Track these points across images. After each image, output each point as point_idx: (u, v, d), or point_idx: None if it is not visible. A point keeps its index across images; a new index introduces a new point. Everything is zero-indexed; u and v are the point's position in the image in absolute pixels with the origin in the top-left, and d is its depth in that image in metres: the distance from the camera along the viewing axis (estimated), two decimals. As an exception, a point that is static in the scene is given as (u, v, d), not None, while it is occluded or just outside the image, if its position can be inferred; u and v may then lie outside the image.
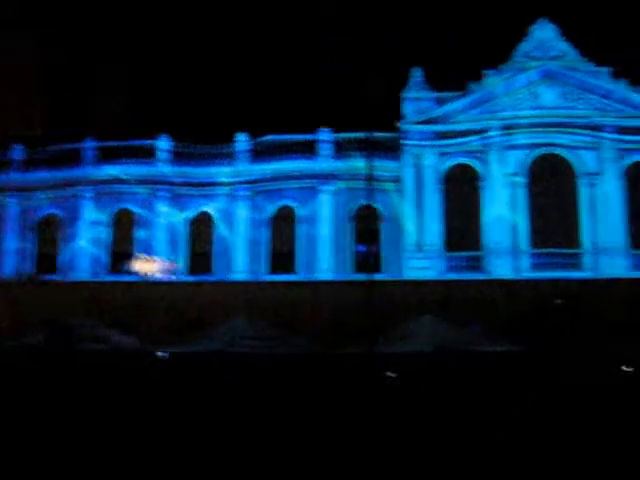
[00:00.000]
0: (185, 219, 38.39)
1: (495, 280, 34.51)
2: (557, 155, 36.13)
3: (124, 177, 38.29)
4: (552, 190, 36.17)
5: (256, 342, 29.73)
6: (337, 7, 51.64)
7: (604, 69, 36.51)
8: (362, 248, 35.97)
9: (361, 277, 32.06)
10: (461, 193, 36.63)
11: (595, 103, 36.11)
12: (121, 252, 37.95)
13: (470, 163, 36.57)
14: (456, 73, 38.28)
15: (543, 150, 36.14)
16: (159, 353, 29.71)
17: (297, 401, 24.53)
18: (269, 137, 38.20)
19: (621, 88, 36.16)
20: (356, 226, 36.93)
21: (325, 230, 36.77)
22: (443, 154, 36.58)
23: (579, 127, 35.81)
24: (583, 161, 35.81)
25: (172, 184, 38.36)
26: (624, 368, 28.17)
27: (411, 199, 36.12)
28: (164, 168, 38.46)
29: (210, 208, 38.30)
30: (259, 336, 29.88)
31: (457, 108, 36.87)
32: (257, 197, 37.73)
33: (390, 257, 36.14)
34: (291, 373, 27.68)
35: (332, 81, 46.59)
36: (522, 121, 36.17)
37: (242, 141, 38.69)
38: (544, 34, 37.36)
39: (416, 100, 37.12)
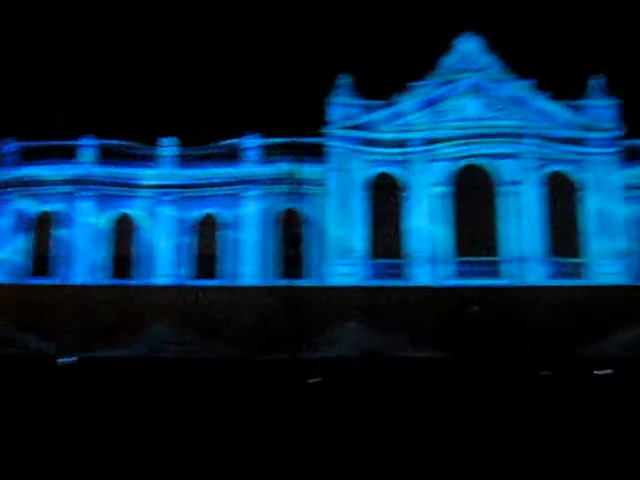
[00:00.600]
0: (108, 220, 37.61)
1: (418, 287, 34.98)
2: (480, 165, 36.85)
3: (45, 177, 37.34)
4: (474, 199, 36.81)
5: (178, 347, 29.41)
6: (266, 13, 51.67)
7: (526, 82, 37.39)
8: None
9: (285, 282, 32.05)
10: (386, 201, 36.96)
11: (517, 114, 36.97)
12: (43, 254, 37.01)
13: (394, 172, 36.95)
14: (383, 83, 38.75)
15: (466, 161, 36.79)
16: (63, 359, 28.99)
17: (215, 406, 24.33)
18: (193, 146, 37.79)
19: (542, 100, 37.11)
20: (281, 231, 36.81)
21: (249, 235, 36.55)
22: (368, 161, 36.86)
23: (501, 138, 36.60)
24: (505, 171, 36.61)
25: (96, 184, 37.52)
26: (543, 373, 28.86)
27: (335, 204, 36.25)
28: (88, 168, 37.62)
29: (134, 210, 37.65)
30: (181, 341, 29.56)
31: (382, 117, 37.22)
32: (182, 201, 37.25)
33: (314, 262, 36.18)
34: (213, 379, 27.43)
35: (258, 86, 46.56)
36: (446, 132, 36.74)
37: (168, 145, 38.14)
38: (469, 47, 38.07)
39: (343, 106, 37.32)
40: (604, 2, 54.06)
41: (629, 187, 36.69)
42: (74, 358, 28.77)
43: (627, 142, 37.14)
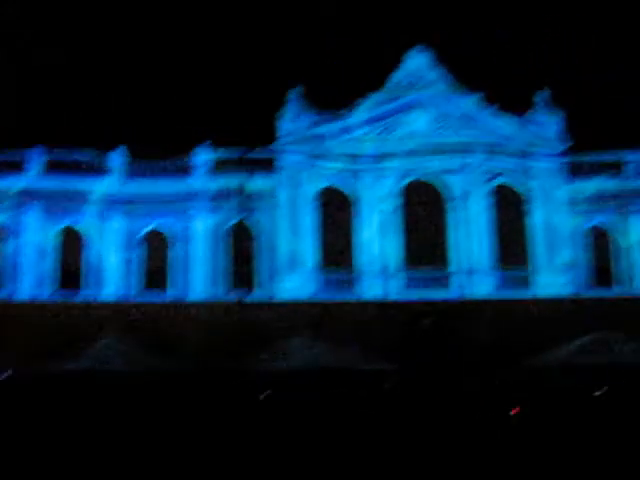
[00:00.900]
0: (55, 233, 37.09)
1: (368, 300, 35.16)
2: (428, 179, 37.24)
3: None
4: (424, 213, 37.21)
5: (126, 361, 29.15)
6: (218, 25, 51.65)
7: (474, 96, 37.90)
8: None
9: (235, 296, 31.98)
10: (336, 214, 37.15)
11: (465, 129, 37.47)
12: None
13: (344, 185, 37.17)
14: (333, 97, 38.95)
15: (415, 175, 37.16)
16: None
17: (162, 420, 24.16)
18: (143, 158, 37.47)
19: (489, 114, 37.66)
20: (231, 245, 36.70)
21: (199, 249, 36.39)
22: (318, 174, 37.00)
23: (449, 152, 37.05)
24: (453, 185, 37.06)
25: (43, 196, 36.93)
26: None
27: (286, 218, 36.29)
28: (34, 180, 37.04)
29: (83, 223, 37.15)
30: (129, 355, 29.28)
31: (332, 131, 37.40)
32: (131, 215, 36.85)
33: (265, 276, 36.16)
34: (161, 393, 27.23)
35: (209, 99, 46.45)
36: (395, 147, 37.07)
37: (118, 156, 37.75)
38: (418, 62, 38.47)
39: (293, 119, 37.39)
40: (549, 17, 55.16)
41: (574, 200, 37.39)
42: (9, 372, 28.29)
43: (572, 156, 37.88)
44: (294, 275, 35.59)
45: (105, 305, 34.79)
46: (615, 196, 37.71)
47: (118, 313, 33.84)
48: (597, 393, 27.70)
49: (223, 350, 30.46)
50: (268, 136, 36.89)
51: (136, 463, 17.42)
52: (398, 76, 38.32)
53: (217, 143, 37.46)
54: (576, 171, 37.83)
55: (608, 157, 38.27)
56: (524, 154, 37.42)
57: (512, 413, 23.24)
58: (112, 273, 36.20)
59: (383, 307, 35.01)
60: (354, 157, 37.06)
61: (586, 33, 51.45)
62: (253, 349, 29.93)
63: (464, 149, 37.09)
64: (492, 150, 37.28)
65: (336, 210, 37.17)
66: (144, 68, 50.34)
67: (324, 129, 37.36)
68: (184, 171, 37.50)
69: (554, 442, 20.55)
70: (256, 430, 23.05)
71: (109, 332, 31.38)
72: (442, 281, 36.37)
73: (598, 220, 37.74)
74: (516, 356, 31.11)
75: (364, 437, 21.43)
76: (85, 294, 36.11)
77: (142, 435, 21.39)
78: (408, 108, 37.63)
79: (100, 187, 37.20)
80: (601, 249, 37.88)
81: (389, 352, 31.91)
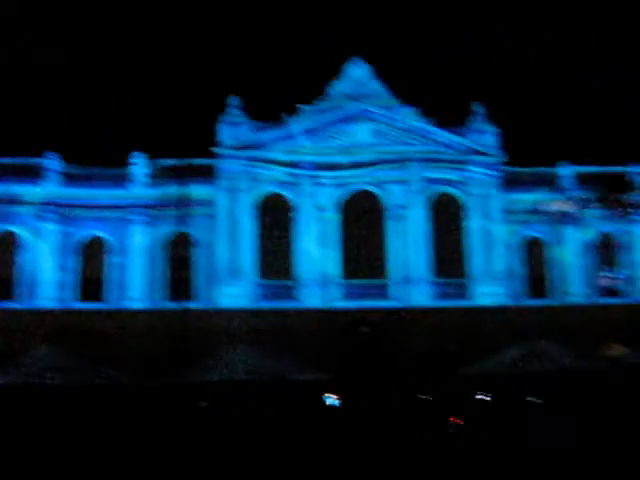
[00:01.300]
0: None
1: (307, 309, 35.13)
2: (367, 190, 37.46)
3: None
4: (363, 223, 37.41)
5: (60, 374, 28.39)
6: (157, 34, 51.17)
7: (412, 108, 38.36)
8: None
9: (173, 305, 31.52)
10: (275, 222, 37.04)
11: (404, 140, 37.87)
12: None
13: (284, 193, 37.09)
14: (273, 104, 38.92)
15: (354, 186, 37.34)
16: None
17: (98, 434, 23.64)
18: (79, 166, 36.65)
19: (427, 126, 38.14)
20: (169, 253, 36.20)
21: (137, 258, 35.76)
22: (257, 182, 36.83)
23: (388, 163, 37.37)
24: (392, 195, 37.38)
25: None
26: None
27: (225, 225, 35.99)
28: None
29: (15, 229, 36.04)
30: (64, 367, 28.53)
31: (272, 138, 37.32)
32: (67, 222, 35.90)
33: (203, 284, 35.77)
34: (97, 404, 26.65)
35: (147, 107, 45.94)
36: (334, 158, 37.20)
37: (52, 161, 36.81)
38: (357, 73, 38.78)
39: (232, 127, 37.18)
40: (486, 33, 56.31)
41: (510, 212, 38.07)
42: None
43: (508, 169, 38.63)
44: (233, 284, 35.30)
45: (39, 314, 33.82)
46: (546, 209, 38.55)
47: (53, 323, 33.01)
48: (530, 399, 28.17)
49: (160, 360, 29.97)
50: (207, 144, 36.62)
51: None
52: (339, 86, 38.54)
53: (155, 152, 36.97)
54: (512, 183, 38.58)
55: (543, 171, 39.16)
56: (462, 164, 37.99)
57: (450, 421, 23.41)
58: (47, 281, 35.16)
59: (321, 315, 35.01)
60: (294, 165, 37.03)
61: (521, 49, 52.67)
62: (189, 358, 29.55)
63: (403, 160, 37.47)
64: (430, 161, 37.74)
65: (276, 217, 37.07)
66: (81, 73, 49.54)
67: (264, 136, 37.24)
68: (123, 179, 36.84)
69: (489, 450, 20.78)
70: (193, 442, 22.76)
71: (42, 343, 30.54)
72: (380, 290, 36.55)
73: (533, 231, 38.51)
74: (452, 365, 31.48)
75: (300, 447, 21.35)
76: (18, 303, 35.01)
77: (78, 450, 20.89)
78: (348, 119, 37.83)
79: (36, 193, 36.07)
80: (536, 260, 38.66)
81: (327, 361, 31.94)
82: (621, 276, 37.42)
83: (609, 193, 28.89)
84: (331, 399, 28.55)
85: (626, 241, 38.99)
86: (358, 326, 35.34)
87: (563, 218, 38.17)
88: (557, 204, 32.18)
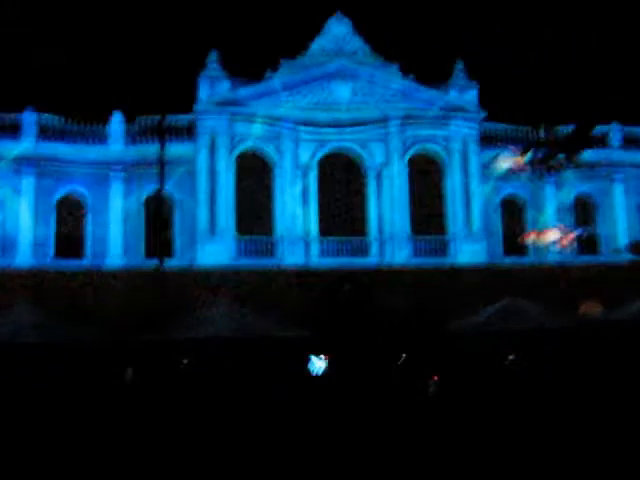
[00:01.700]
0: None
1: (288, 266, 35.26)
2: (348, 147, 37.39)
3: None
4: (343, 180, 37.46)
5: (40, 332, 28.41)
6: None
7: (393, 65, 38.15)
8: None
9: (153, 264, 31.45)
10: (256, 178, 36.91)
11: (383, 97, 37.73)
12: None
13: (264, 149, 36.87)
14: (255, 61, 38.45)
15: (335, 143, 37.22)
16: None
17: (84, 390, 23.85)
18: (56, 117, 36.00)
19: (407, 82, 38.01)
20: (149, 212, 35.98)
21: (116, 216, 35.49)
22: (237, 137, 36.54)
23: (368, 121, 37.25)
24: (372, 153, 37.35)
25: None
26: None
27: (205, 183, 35.75)
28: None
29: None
30: (44, 325, 28.55)
31: (252, 93, 36.90)
32: (43, 178, 35.32)
33: (184, 242, 35.70)
34: (80, 362, 26.81)
35: (124, 63, 45.21)
36: (313, 113, 36.96)
37: (31, 116, 36.08)
38: (339, 29, 38.38)
39: (212, 82, 36.69)
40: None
41: (489, 169, 38.22)
42: None
43: (488, 125, 38.72)
44: (213, 241, 35.26)
45: (17, 273, 33.60)
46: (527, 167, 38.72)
47: (31, 282, 32.85)
48: (510, 357, 28.72)
49: (141, 317, 30.03)
50: (186, 102, 36.19)
51: (54, 439, 17.15)
52: (320, 42, 38.15)
53: (135, 109, 36.45)
54: (492, 140, 38.69)
55: (523, 128, 39.23)
56: (442, 121, 37.97)
57: (432, 380, 23.83)
58: (24, 239, 34.79)
59: (302, 274, 35.19)
60: (274, 121, 36.74)
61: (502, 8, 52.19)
62: (171, 316, 29.65)
63: (383, 118, 37.37)
64: (410, 118, 37.67)
65: (256, 175, 36.95)
66: (60, 27, 48.54)
67: (244, 92, 36.82)
68: (102, 136, 36.36)
69: (471, 407, 21.21)
70: (177, 398, 23.03)
71: (21, 302, 30.46)
72: (361, 248, 36.73)
73: (513, 189, 38.75)
74: (433, 322, 31.89)
75: (283, 405, 21.67)
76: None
77: (61, 409, 21.07)
78: (329, 75, 37.54)
79: (13, 147, 35.40)
80: (514, 218, 38.99)
81: (309, 318, 32.23)
82: (577, 232, 36.70)
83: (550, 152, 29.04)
84: (317, 363, 28.87)
85: (604, 201, 39.48)
86: (339, 283, 35.55)
87: (540, 176, 38.39)
88: (503, 160, 31.84)
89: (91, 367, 26.76)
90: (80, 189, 35.90)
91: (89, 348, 27.51)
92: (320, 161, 37.07)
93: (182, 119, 36.36)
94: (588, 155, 37.65)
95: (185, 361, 27.36)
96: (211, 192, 35.70)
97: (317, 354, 28.94)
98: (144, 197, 35.95)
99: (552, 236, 35.13)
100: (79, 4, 48.50)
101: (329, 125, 36.92)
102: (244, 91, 36.83)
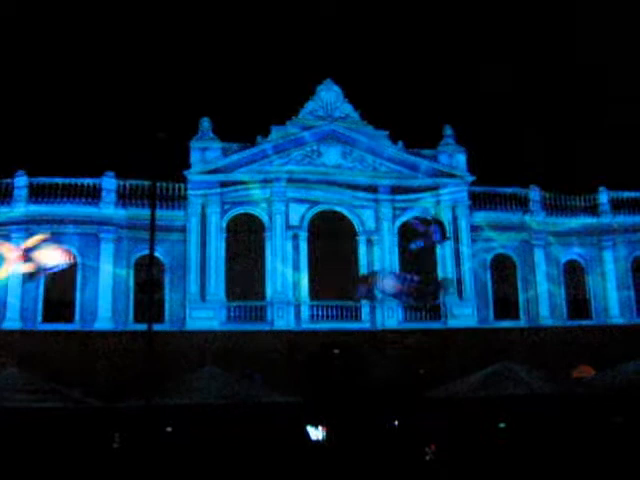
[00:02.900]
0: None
1: (277, 331, 35.07)
2: (338, 211, 37.59)
3: None
4: (333, 245, 37.45)
5: (28, 396, 27.91)
6: (128, 50, 51.08)
7: (382, 132, 38.67)
8: None
9: (141, 327, 31.16)
10: (245, 243, 36.99)
11: (373, 164, 38.14)
12: None
13: (254, 214, 37.10)
14: (245, 126, 39.00)
15: (325, 206, 37.48)
16: None
17: (67, 456, 23.40)
18: (47, 179, 36.13)
19: (397, 150, 38.43)
20: (138, 276, 35.85)
21: (106, 279, 35.37)
22: (227, 203, 36.77)
23: (358, 186, 37.57)
24: (361, 219, 37.61)
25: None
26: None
27: (195, 248, 35.90)
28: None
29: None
30: (31, 389, 28.06)
31: (242, 159, 37.28)
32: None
33: (173, 308, 35.57)
34: (64, 428, 26.31)
35: (119, 127, 45.75)
36: (304, 177, 37.32)
37: (19, 178, 36.21)
38: (329, 95, 39.01)
39: (203, 149, 37.16)
40: (452, 54, 56.91)
41: (479, 231, 38.44)
42: None
43: (478, 189, 39.05)
44: (203, 306, 35.15)
45: (4, 335, 33.31)
46: (519, 228, 39.03)
47: (18, 344, 32.56)
48: (501, 425, 28.29)
49: (128, 382, 29.60)
50: (180, 166, 36.48)
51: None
52: (310, 106, 38.72)
53: (124, 173, 36.70)
54: (481, 203, 38.99)
55: (513, 191, 39.64)
56: (432, 188, 38.27)
57: (430, 448, 23.48)
58: (13, 301, 34.51)
59: (292, 338, 34.95)
60: (264, 185, 37.03)
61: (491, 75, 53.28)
62: (158, 381, 29.22)
63: (373, 184, 37.71)
64: (400, 186, 37.99)
65: (247, 239, 37.03)
66: (53, 90, 49.23)
67: (234, 157, 37.17)
68: (92, 197, 36.35)
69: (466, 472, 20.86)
70: (161, 466, 22.61)
71: (8, 365, 30.06)
72: (351, 312, 36.57)
73: (503, 250, 38.92)
74: (421, 387, 31.53)
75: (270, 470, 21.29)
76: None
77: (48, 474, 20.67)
78: (319, 140, 37.99)
79: (3, 212, 35.44)
80: (507, 280, 39.00)
81: (298, 383, 31.84)
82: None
83: None
84: (313, 433, 28.45)
85: (595, 266, 39.68)
86: (329, 348, 35.28)
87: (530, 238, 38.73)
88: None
89: (78, 432, 26.24)
90: (71, 249, 35.72)
91: (75, 413, 27.00)
92: (310, 223, 37.21)
93: (174, 185, 36.62)
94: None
95: (169, 429, 26.82)
96: (202, 258, 35.80)
97: (312, 424, 28.59)
98: (134, 260, 35.87)
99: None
100: (74, 62, 49.31)
101: (318, 189, 37.24)
102: (235, 157, 37.23)
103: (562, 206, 40.11)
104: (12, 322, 34.31)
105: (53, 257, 25.31)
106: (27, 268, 25.01)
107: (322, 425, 29.04)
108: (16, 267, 24.94)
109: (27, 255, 24.21)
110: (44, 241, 25.27)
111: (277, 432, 26.18)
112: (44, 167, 37.06)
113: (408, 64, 55.01)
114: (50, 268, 25.91)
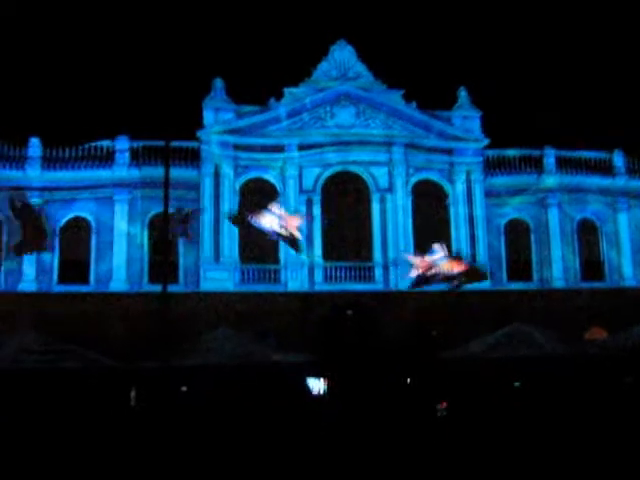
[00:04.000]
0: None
1: (291, 292, 35.22)
2: (352, 172, 37.46)
3: None
4: (347, 205, 37.43)
5: (44, 357, 28.24)
6: (140, 11, 50.70)
7: (396, 91, 38.33)
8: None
9: (156, 288, 31.36)
10: (259, 205, 36.83)
11: (386, 123, 37.84)
12: None
13: (268, 177, 37.07)
14: (258, 87, 38.74)
15: (339, 167, 37.33)
16: None
17: (85, 416, 23.73)
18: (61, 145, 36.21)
19: (411, 109, 38.14)
20: (153, 236, 36.03)
21: (120, 240, 35.61)
22: (242, 166, 36.75)
23: (372, 145, 37.32)
24: (375, 178, 37.41)
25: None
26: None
27: (209, 209, 35.92)
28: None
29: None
30: (47, 350, 28.38)
31: (257, 122, 37.19)
32: (49, 205, 35.38)
33: (188, 268, 35.76)
34: (81, 388, 26.66)
35: (131, 87, 45.57)
36: (317, 140, 37.11)
37: (33, 146, 36.33)
38: (342, 55, 38.65)
39: (217, 110, 37.03)
40: (468, 16, 56.15)
41: (493, 195, 38.29)
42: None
43: (492, 152, 38.80)
44: (217, 267, 35.33)
45: (20, 297, 33.69)
46: (535, 190, 38.87)
47: (35, 306, 32.86)
48: (516, 384, 28.47)
49: (144, 343, 29.86)
50: (190, 125, 36.34)
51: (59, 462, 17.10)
52: (324, 68, 38.42)
53: (138, 132, 36.62)
54: (496, 166, 38.80)
55: (527, 152, 39.40)
56: (445, 150, 38.06)
57: (441, 406, 23.66)
58: (29, 264, 34.85)
59: (305, 298, 35.11)
60: (279, 148, 36.95)
61: (506, 35, 52.59)
62: (173, 342, 29.48)
63: (387, 142, 37.46)
64: (414, 145, 37.77)
65: (261, 201, 36.87)
66: (65, 53, 49.01)
67: (249, 120, 37.10)
68: (106, 160, 36.45)
69: (477, 434, 21.03)
70: (176, 425, 22.90)
71: (25, 327, 30.35)
72: (365, 273, 36.63)
73: (518, 213, 38.81)
74: (435, 348, 31.67)
75: (283, 431, 21.51)
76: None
77: (65, 435, 20.98)
78: (332, 101, 37.74)
79: (15, 177, 35.63)
80: (520, 243, 38.93)
81: (311, 344, 32.08)
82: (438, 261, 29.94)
83: None
84: (314, 385, 28.69)
85: (610, 228, 39.52)
86: (342, 309, 35.44)
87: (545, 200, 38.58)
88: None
89: (94, 392, 26.59)
90: (86, 212, 35.93)
91: (91, 373, 27.34)
92: (324, 186, 37.12)
93: (187, 144, 36.49)
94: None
95: (184, 388, 27.14)
96: (215, 220, 35.79)
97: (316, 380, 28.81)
98: (148, 219, 36.01)
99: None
100: (81, 26, 49.01)
101: (332, 149, 37.00)
102: (248, 119, 37.11)
103: (577, 165, 39.73)
104: (28, 284, 34.72)
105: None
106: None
107: (324, 378, 29.20)
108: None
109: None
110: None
111: (287, 390, 26.48)
112: (57, 132, 37.07)
113: (423, 24, 54.32)
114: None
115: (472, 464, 16.62)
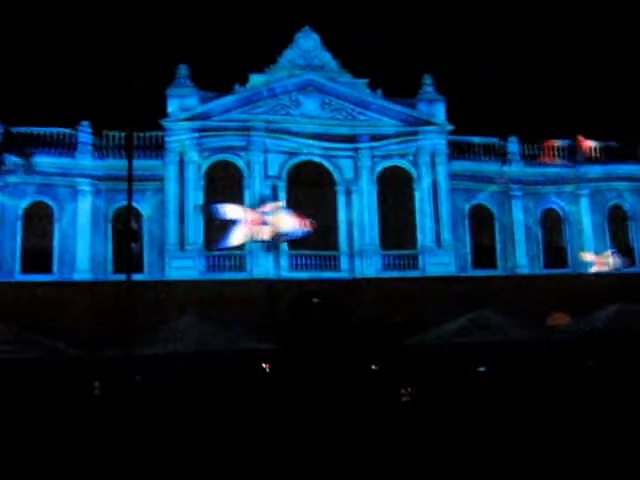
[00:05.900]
0: None
1: (255, 280, 35.13)
2: (317, 162, 37.45)
3: None
4: (313, 196, 37.37)
5: (7, 347, 28.03)
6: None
7: (361, 80, 38.38)
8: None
9: (120, 278, 31.14)
10: (225, 191, 36.73)
11: (352, 113, 37.88)
12: None
13: (232, 162, 36.86)
14: (224, 75, 38.45)
15: (304, 157, 37.30)
16: None
17: (47, 407, 23.54)
18: (22, 129, 35.63)
19: (376, 98, 38.19)
20: (116, 227, 35.65)
21: (84, 229, 35.22)
22: (206, 150, 36.46)
23: (337, 136, 37.37)
24: (340, 168, 37.48)
25: None
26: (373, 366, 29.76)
27: (173, 197, 35.67)
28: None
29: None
30: (8, 340, 28.17)
31: (220, 106, 36.91)
32: (8, 189, 34.90)
33: (152, 258, 35.51)
34: (42, 378, 26.43)
35: (94, 76, 45.06)
36: (282, 126, 37.02)
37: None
38: (307, 43, 38.53)
39: (180, 97, 36.71)
40: (436, 5, 56.34)
41: (457, 181, 38.56)
42: None
43: (456, 138, 39.04)
44: (181, 255, 35.12)
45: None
46: (497, 178, 39.26)
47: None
48: (480, 369, 28.76)
49: (107, 332, 29.67)
50: (154, 115, 36.00)
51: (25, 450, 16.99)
52: (290, 54, 38.25)
53: (101, 123, 36.18)
54: (459, 152, 39.08)
55: (490, 140, 39.76)
56: (410, 136, 38.18)
57: (406, 391, 23.80)
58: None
59: (269, 286, 35.05)
60: (243, 132, 36.72)
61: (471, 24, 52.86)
62: (137, 330, 29.33)
63: (352, 133, 37.55)
64: (379, 135, 37.86)
65: (225, 189, 36.80)
66: (31, 40, 48.31)
67: (212, 104, 36.80)
68: (69, 148, 35.99)
69: (439, 419, 21.20)
70: (140, 412, 22.82)
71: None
72: (331, 263, 36.68)
73: (480, 200, 39.14)
74: (399, 335, 31.91)
75: (248, 417, 21.52)
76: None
77: (30, 425, 20.82)
78: (298, 89, 37.64)
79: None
80: (484, 229, 39.28)
81: (276, 331, 32.12)
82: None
83: None
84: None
85: (571, 216, 40.06)
86: (308, 297, 35.47)
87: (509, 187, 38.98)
88: None
89: (58, 382, 26.38)
90: (47, 200, 35.47)
91: (51, 363, 27.13)
92: (289, 173, 37.08)
93: (151, 134, 36.19)
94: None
95: (138, 378, 26.90)
96: (180, 207, 35.58)
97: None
98: (112, 212, 35.68)
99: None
100: (51, 15, 48.35)
101: (296, 138, 36.96)
102: (212, 105, 36.83)
103: (540, 156, 40.22)
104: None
105: (291, 223, 25.81)
106: (267, 234, 25.46)
107: (267, 363, 29.31)
108: (257, 232, 25.34)
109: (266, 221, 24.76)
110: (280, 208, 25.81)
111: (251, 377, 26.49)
112: (19, 116, 36.45)
113: (388, 12, 54.42)
114: (289, 234, 26.55)
115: (437, 448, 16.76)
